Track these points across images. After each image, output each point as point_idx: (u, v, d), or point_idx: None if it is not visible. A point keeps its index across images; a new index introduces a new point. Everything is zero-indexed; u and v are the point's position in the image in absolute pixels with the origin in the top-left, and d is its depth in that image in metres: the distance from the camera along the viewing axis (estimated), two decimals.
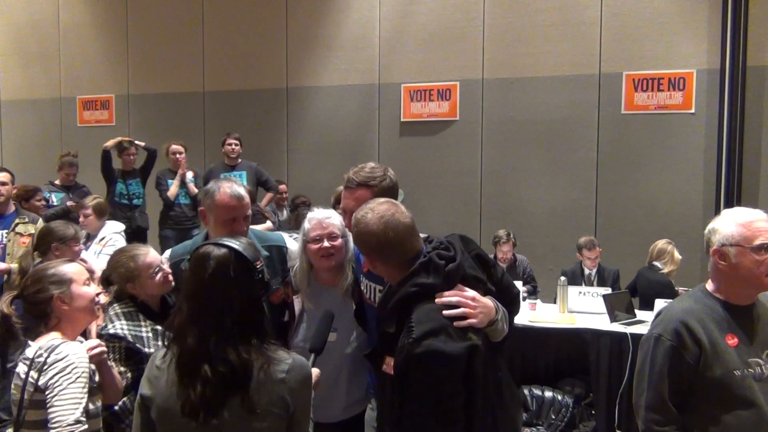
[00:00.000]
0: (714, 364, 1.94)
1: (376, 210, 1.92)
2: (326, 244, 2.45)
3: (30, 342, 2.06)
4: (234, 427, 1.61)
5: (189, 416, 1.60)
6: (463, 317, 1.80)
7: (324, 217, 2.50)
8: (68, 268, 2.12)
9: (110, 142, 6.45)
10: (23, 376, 1.97)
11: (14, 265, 4.33)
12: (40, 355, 1.96)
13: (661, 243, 5.35)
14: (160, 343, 2.31)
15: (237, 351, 1.61)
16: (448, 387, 1.75)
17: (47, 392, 1.91)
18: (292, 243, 2.66)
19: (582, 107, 6.44)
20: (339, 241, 2.46)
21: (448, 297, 1.83)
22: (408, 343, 1.75)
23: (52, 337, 2.03)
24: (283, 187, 6.97)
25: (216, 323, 1.63)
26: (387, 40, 7.10)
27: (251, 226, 2.63)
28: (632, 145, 6.31)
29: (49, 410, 1.90)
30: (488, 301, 1.90)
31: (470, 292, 1.87)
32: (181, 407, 1.60)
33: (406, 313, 1.82)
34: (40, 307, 2.06)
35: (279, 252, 2.62)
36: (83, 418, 1.90)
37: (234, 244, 1.71)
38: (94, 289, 2.15)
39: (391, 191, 2.24)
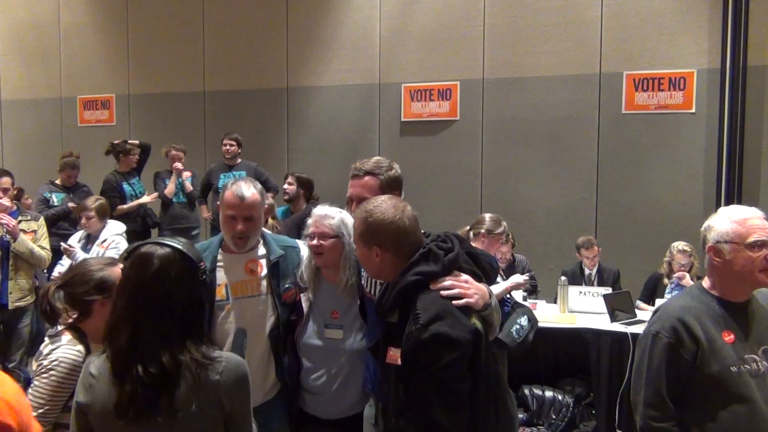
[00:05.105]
0: (711, 361, 1.97)
1: (388, 201, 1.97)
2: (315, 242, 2.50)
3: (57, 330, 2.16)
4: (166, 428, 1.60)
5: (120, 416, 1.59)
6: (459, 297, 1.85)
7: (322, 216, 2.52)
8: (113, 273, 2.15)
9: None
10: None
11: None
12: (45, 347, 2.08)
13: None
14: None
15: (171, 352, 1.60)
16: (455, 371, 1.77)
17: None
18: (305, 248, 2.67)
19: (582, 107, 6.43)
20: (329, 241, 2.48)
21: (441, 282, 1.87)
22: (416, 329, 1.78)
23: (65, 336, 2.10)
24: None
25: (154, 323, 1.62)
26: (387, 40, 7.10)
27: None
28: (632, 145, 6.30)
29: None
30: (482, 286, 1.95)
31: (463, 276, 1.92)
32: (114, 407, 1.60)
33: (409, 302, 1.85)
34: (82, 305, 2.14)
35: (293, 253, 2.65)
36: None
37: (176, 244, 1.71)
38: None
39: (397, 182, 2.33)
